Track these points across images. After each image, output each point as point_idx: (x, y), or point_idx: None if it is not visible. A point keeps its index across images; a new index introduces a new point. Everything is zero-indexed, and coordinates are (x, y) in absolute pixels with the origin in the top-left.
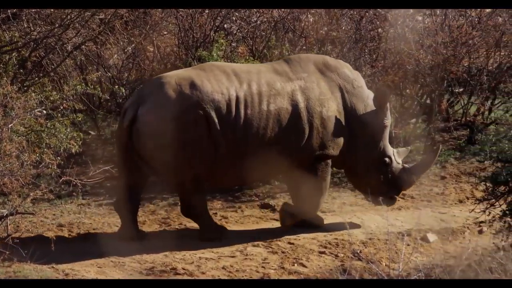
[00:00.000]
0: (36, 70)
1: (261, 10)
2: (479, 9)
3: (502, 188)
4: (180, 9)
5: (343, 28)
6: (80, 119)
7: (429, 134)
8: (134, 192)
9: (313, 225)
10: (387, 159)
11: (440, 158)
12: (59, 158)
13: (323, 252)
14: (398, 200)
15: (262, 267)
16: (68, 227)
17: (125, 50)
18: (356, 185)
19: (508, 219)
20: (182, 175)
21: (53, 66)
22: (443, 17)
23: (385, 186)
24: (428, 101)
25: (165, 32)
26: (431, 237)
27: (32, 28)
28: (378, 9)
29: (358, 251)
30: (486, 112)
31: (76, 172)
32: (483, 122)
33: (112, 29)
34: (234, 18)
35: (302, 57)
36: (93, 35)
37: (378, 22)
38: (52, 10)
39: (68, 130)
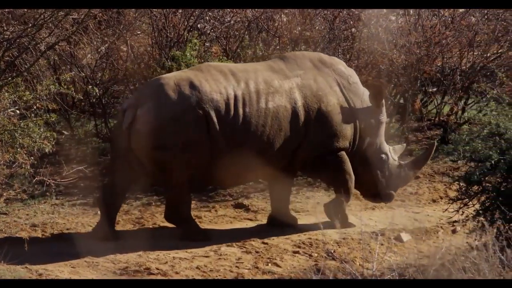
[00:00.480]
0: (9, 70)
1: (234, 10)
2: (452, 9)
3: (475, 187)
4: (154, 9)
5: (317, 28)
6: (53, 119)
7: (403, 133)
8: (119, 192)
9: (287, 225)
10: (383, 156)
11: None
12: (32, 158)
13: (297, 252)
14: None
15: (236, 267)
16: (41, 227)
17: (99, 50)
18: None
19: (481, 218)
20: (178, 177)
21: (26, 66)
22: (417, 17)
23: (383, 183)
24: (401, 101)
25: (139, 32)
26: (405, 236)
27: (5, 28)
28: (352, 9)
29: (332, 251)
30: (460, 112)
31: (50, 172)
32: (456, 122)
33: (86, 29)
34: (207, 18)
35: (298, 54)
36: (66, 35)
37: (351, 22)
38: (25, 10)
39: (42, 130)
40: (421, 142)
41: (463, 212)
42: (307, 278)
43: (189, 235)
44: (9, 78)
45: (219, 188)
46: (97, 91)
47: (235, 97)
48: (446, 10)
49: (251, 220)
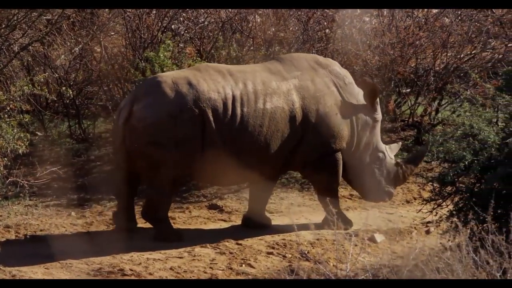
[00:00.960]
0: None
1: (208, 10)
2: (426, 10)
3: (449, 188)
4: (128, 10)
5: (291, 28)
6: (27, 120)
7: None
8: (131, 185)
9: (261, 226)
10: (380, 154)
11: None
12: (6, 159)
13: (271, 253)
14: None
15: (210, 267)
16: (15, 228)
17: (72, 51)
18: (351, 182)
19: (455, 219)
20: (165, 175)
21: None
22: (390, 17)
23: (381, 181)
24: None
25: (112, 33)
26: (379, 237)
27: None
28: (326, 10)
29: (306, 252)
30: (433, 113)
31: (23, 173)
32: (430, 123)
33: (59, 29)
34: (181, 19)
35: (294, 56)
36: (40, 36)
37: (325, 23)
38: None
39: (15, 131)
40: (395, 143)
41: (436, 213)
42: (281, 279)
43: (163, 235)
44: None
45: (193, 189)
46: (70, 92)
47: (233, 97)
48: (420, 11)
49: (225, 221)
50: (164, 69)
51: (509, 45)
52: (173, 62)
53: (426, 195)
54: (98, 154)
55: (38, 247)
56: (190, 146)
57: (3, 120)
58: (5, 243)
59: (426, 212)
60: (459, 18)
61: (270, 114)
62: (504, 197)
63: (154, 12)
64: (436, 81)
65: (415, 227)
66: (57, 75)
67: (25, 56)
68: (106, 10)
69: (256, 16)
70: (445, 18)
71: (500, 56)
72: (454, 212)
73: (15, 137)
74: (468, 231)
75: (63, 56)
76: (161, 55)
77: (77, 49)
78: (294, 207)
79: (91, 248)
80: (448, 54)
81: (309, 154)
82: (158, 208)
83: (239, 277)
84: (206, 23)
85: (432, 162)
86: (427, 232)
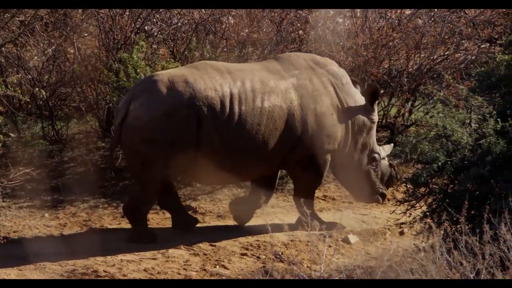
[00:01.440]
0: None
1: (181, 11)
2: (399, 11)
3: (422, 189)
4: (101, 11)
5: (264, 30)
6: (0, 121)
7: None
8: (167, 185)
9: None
10: (376, 155)
11: None
12: None
13: (245, 254)
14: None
15: (184, 269)
16: None
17: (46, 52)
18: (345, 183)
19: (429, 220)
20: (156, 173)
21: None
22: (364, 19)
23: (376, 182)
24: None
25: (86, 34)
26: (352, 238)
27: None
28: (299, 11)
29: (280, 253)
30: (407, 114)
31: None
32: (403, 124)
33: (32, 31)
34: (155, 20)
35: (292, 55)
36: (13, 37)
37: (299, 24)
38: None
39: None
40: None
41: (410, 214)
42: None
43: (137, 236)
44: None
45: None
46: (44, 93)
47: (231, 95)
48: (393, 12)
49: (198, 222)
50: (138, 70)
51: (482, 46)
52: (147, 63)
53: (399, 196)
54: (72, 156)
55: (11, 249)
56: (185, 145)
57: None
58: None
59: (400, 213)
60: (432, 19)
61: (268, 113)
62: (477, 198)
63: (128, 13)
64: (409, 82)
65: (389, 228)
66: (30, 77)
67: None
68: (79, 11)
69: (230, 17)
70: (418, 19)
71: (473, 57)
72: (427, 213)
73: None
74: (442, 232)
75: (36, 57)
76: (135, 56)
77: (50, 50)
78: (267, 208)
79: (65, 249)
80: (421, 55)
81: (303, 153)
82: (139, 207)
83: (213, 278)
84: (179, 24)
85: (406, 163)
86: (401, 233)
